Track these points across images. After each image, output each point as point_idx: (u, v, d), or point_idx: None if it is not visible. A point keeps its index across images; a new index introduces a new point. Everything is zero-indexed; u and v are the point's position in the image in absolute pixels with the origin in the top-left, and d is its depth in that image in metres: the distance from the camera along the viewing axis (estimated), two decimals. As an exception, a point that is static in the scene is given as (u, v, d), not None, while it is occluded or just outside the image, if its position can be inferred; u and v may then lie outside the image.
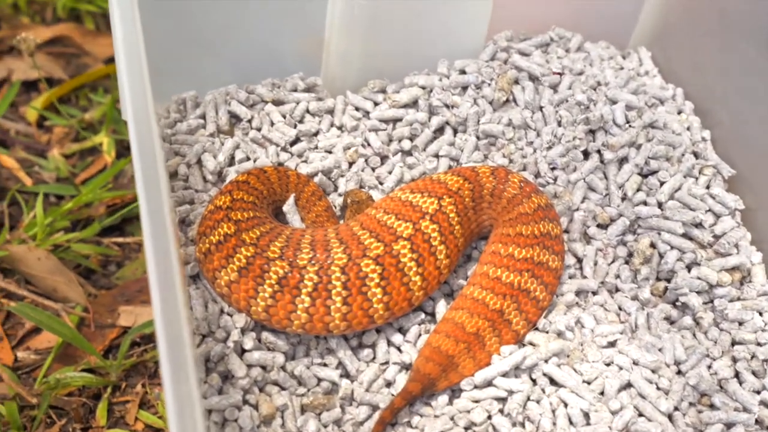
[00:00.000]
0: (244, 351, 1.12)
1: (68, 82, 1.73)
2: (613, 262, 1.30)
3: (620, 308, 1.25)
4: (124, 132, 1.64)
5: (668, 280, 1.28)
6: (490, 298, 1.16)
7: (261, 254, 1.13)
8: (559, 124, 1.37)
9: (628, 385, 1.15)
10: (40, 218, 1.43)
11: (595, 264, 1.29)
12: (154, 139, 0.94)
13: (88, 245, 1.45)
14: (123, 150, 1.63)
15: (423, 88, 1.41)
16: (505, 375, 1.13)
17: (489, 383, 1.13)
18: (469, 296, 1.18)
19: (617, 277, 1.28)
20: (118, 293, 1.41)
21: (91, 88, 1.75)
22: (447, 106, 1.39)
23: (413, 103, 1.41)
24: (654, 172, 1.34)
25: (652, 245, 1.29)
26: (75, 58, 1.83)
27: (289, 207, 1.26)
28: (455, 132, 1.40)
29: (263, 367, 1.11)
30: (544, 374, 1.14)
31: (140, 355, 1.33)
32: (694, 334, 1.23)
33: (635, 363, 1.17)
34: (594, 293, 1.26)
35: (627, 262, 1.30)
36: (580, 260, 1.29)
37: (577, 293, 1.25)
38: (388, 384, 1.15)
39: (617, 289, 1.28)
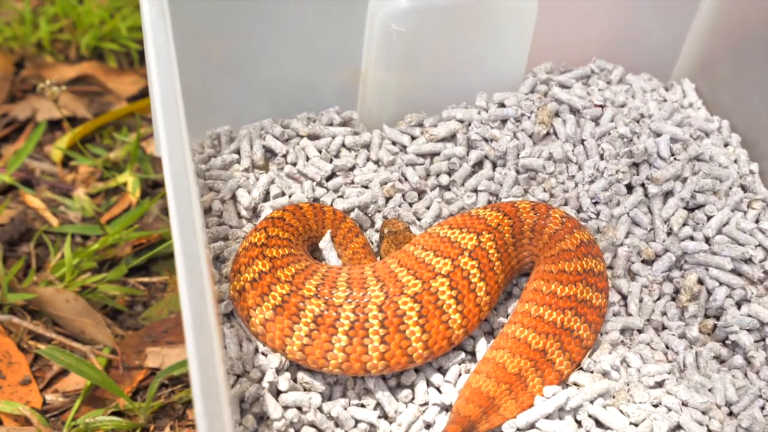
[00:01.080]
0: (279, 392, 1.09)
1: (92, 121, 1.73)
2: (659, 299, 1.25)
3: (667, 347, 1.21)
4: (148, 171, 1.63)
5: (717, 318, 1.24)
6: (532, 338, 1.13)
7: (296, 292, 1.10)
8: (602, 157, 1.34)
9: (678, 428, 1.10)
10: (68, 259, 1.42)
11: (641, 301, 1.25)
12: (189, 176, 0.92)
13: (115, 286, 1.44)
14: (147, 189, 1.62)
15: (461, 121, 1.39)
16: (548, 417, 1.09)
17: (532, 425, 1.09)
18: (510, 335, 1.14)
19: (663, 314, 1.24)
20: (144, 334, 1.39)
21: (115, 127, 1.75)
22: (486, 140, 1.37)
23: (451, 137, 1.39)
24: (700, 206, 1.30)
25: (700, 281, 1.25)
26: (98, 96, 1.83)
27: (325, 243, 1.23)
28: (494, 166, 1.37)
29: (299, 408, 1.08)
30: (590, 416, 1.10)
31: (168, 396, 1.31)
32: (745, 374, 1.18)
33: (684, 404, 1.12)
34: (639, 331, 1.22)
35: (674, 299, 1.26)
36: (624, 297, 1.25)
37: (622, 331, 1.21)
38: (428, 426, 1.11)
39: (664, 327, 1.24)
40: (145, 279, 1.48)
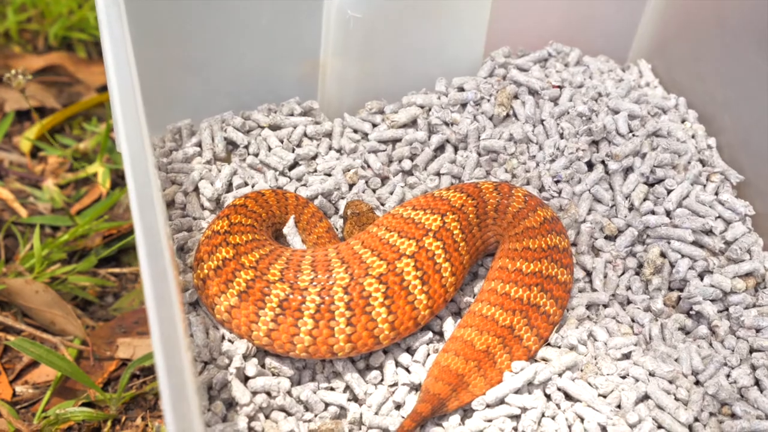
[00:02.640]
0: (247, 378, 1.09)
1: (61, 111, 1.72)
2: (623, 273, 1.26)
3: (633, 320, 1.22)
4: (118, 161, 1.62)
5: (680, 290, 1.25)
6: (499, 314, 1.13)
7: (261, 277, 1.10)
8: (561, 136, 1.35)
9: (646, 397, 1.11)
10: (38, 251, 1.41)
11: (605, 276, 1.25)
12: (150, 169, 0.91)
13: (85, 276, 1.43)
14: (118, 179, 1.61)
15: (421, 107, 1.40)
16: (517, 392, 1.09)
17: (501, 401, 1.09)
18: (477, 313, 1.14)
19: (628, 288, 1.25)
20: (115, 325, 1.38)
21: (85, 117, 1.74)
22: (446, 124, 1.37)
23: (412, 123, 1.39)
24: (660, 181, 1.31)
25: (663, 255, 1.26)
26: (67, 87, 1.82)
27: (289, 229, 1.23)
28: (456, 149, 1.37)
29: (268, 393, 1.08)
30: (558, 389, 1.10)
31: (139, 387, 1.30)
32: (710, 344, 1.20)
33: (651, 374, 1.13)
34: (605, 306, 1.23)
35: (637, 273, 1.27)
36: (589, 273, 1.26)
37: (588, 307, 1.22)
38: (398, 406, 1.11)
39: (629, 301, 1.24)
40: (116, 270, 1.47)
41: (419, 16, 1.37)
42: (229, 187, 1.32)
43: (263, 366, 1.11)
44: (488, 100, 1.38)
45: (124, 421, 1.26)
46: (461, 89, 1.41)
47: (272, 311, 1.08)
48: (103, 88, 1.80)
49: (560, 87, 1.41)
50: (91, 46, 1.89)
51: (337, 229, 1.28)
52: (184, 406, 0.74)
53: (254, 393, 1.07)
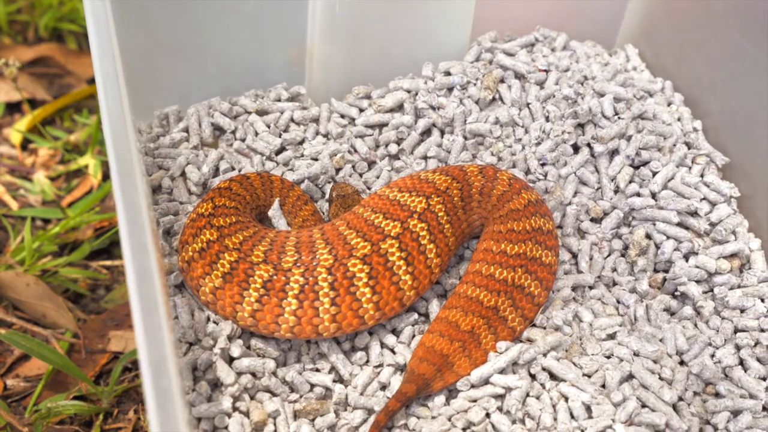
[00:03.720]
0: (232, 359, 1.09)
1: (52, 103, 1.72)
2: (608, 255, 1.27)
3: (618, 301, 1.22)
4: None
5: (666, 271, 1.25)
6: (484, 296, 1.13)
7: (245, 259, 1.10)
8: (547, 119, 1.35)
9: (630, 377, 1.11)
10: (29, 243, 1.41)
11: (591, 258, 1.26)
12: (133, 152, 0.92)
13: (77, 269, 1.43)
14: (109, 171, 1.60)
15: (408, 91, 1.40)
16: (502, 372, 1.09)
17: (486, 381, 1.09)
18: (462, 294, 1.15)
19: (614, 270, 1.25)
20: (107, 318, 1.38)
21: (76, 109, 1.74)
22: (433, 108, 1.38)
23: (399, 107, 1.39)
24: (646, 163, 1.31)
25: (648, 236, 1.26)
26: (58, 78, 1.82)
27: (274, 212, 1.23)
28: (442, 133, 1.38)
29: (253, 374, 1.08)
30: (543, 369, 1.10)
31: (131, 380, 1.30)
32: (695, 324, 1.20)
33: (636, 354, 1.13)
34: (591, 288, 1.23)
35: (623, 255, 1.27)
36: (575, 255, 1.27)
37: (574, 288, 1.22)
38: (383, 387, 1.11)
39: (614, 283, 1.25)
40: (108, 262, 1.47)
41: (406, 0, 1.37)
42: (216, 172, 1.32)
43: (248, 347, 1.11)
44: (474, 84, 1.39)
45: (116, 414, 1.26)
46: (448, 73, 1.41)
47: (256, 292, 1.08)
48: (94, 80, 1.79)
49: (546, 71, 1.41)
50: (82, 38, 1.89)
51: (323, 213, 1.29)
52: (165, 383, 0.74)
53: (239, 374, 1.07)
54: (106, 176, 1.60)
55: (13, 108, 1.74)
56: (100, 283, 1.45)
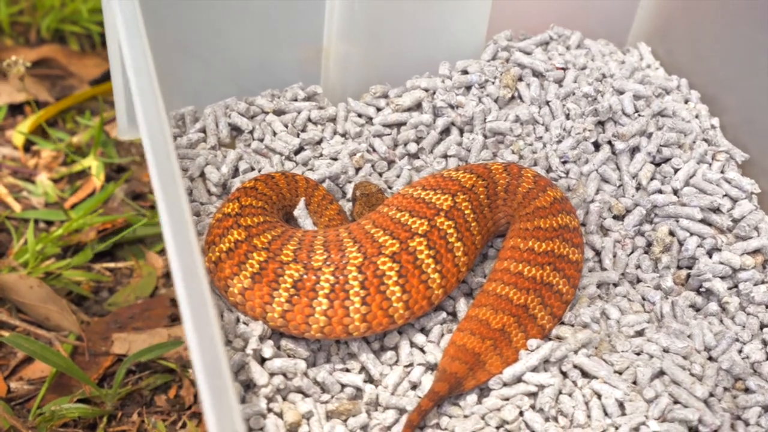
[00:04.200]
0: (264, 360, 1.08)
1: (54, 104, 1.71)
2: (632, 252, 1.27)
3: (644, 298, 1.22)
4: (112, 155, 1.62)
5: (689, 268, 1.25)
6: (513, 293, 1.13)
7: (274, 258, 1.09)
8: (567, 117, 1.35)
9: (661, 373, 1.11)
10: (32, 245, 1.40)
11: (614, 255, 1.26)
12: (171, 153, 0.90)
13: (80, 271, 1.42)
14: (112, 173, 1.60)
15: (426, 90, 1.39)
16: (534, 370, 1.09)
17: (518, 379, 1.08)
18: (491, 292, 1.14)
19: (638, 267, 1.25)
20: (111, 320, 1.37)
21: (78, 111, 1.73)
22: (451, 107, 1.37)
23: (417, 106, 1.39)
24: (667, 160, 1.32)
25: (671, 233, 1.26)
26: (60, 80, 1.81)
27: (300, 211, 1.22)
28: (461, 132, 1.37)
29: (284, 375, 1.07)
30: (575, 366, 1.10)
31: (135, 383, 1.29)
32: (720, 320, 1.20)
33: (665, 350, 1.13)
34: (615, 285, 1.23)
35: (646, 252, 1.27)
36: (598, 253, 1.26)
37: (599, 286, 1.22)
38: (414, 386, 1.11)
39: (638, 280, 1.25)
40: (111, 264, 1.46)
41: (423, -1, 1.37)
42: (236, 172, 1.31)
43: (279, 348, 1.10)
44: (492, 83, 1.38)
45: (120, 417, 1.25)
46: (465, 72, 1.41)
47: (286, 292, 1.07)
48: (97, 81, 1.78)
49: (564, 69, 1.41)
50: (84, 39, 1.88)
51: (346, 212, 1.28)
52: (219, 383, 0.73)
53: (271, 374, 1.06)
54: (108, 178, 1.59)
55: (16, 110, 1.72)
56: (104, 285, 1.44)
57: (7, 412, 1.22)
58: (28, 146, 1.66)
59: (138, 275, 1.45)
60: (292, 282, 1.07)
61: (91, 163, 1.59)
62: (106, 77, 1.78)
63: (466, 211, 1.17)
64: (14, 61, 1.46)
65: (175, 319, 1.38)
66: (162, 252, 1.48)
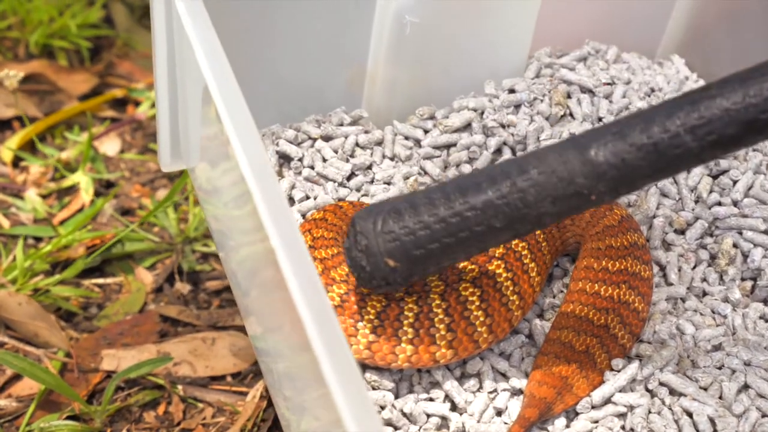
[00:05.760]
0: (353, 393, 1.05)
1: (43, 120, 1.70)
2: (696, 266, 1.26)
3: (713, 311, 1.21)
4: (101, 170, 1.62)
5: (753, 279, 1.25)
6: (593, 314, 1.12)
7: (354, 290, 1.07)
8: (622, 132, 1.34)
9: (746, 387, 1.10)
10: (20, 262, 1.40)
11: (680, 270, 1.25)
12: (281, 195, 0.87)
13: (68, 287, 1.42)
14: (101, 188, 1.61)
15: (474, 110, 1.38)
16: (621, 390, 1.08)
17: (608, 400, 1.07)
18: (570, 314, 1.13)
19: (704, 280, 1.25)
20: (100, 336, 1.37)
21: (67, 126, 1.72)
22: (503, 126, 1.36)
23: (465, 127, 1.37)
24: (724, 172, 1.32)
25: (735, 245, 1.26)
26: (49, 95, 1.80)
27: (370, 240, 1.20)
28: (513, 151, 1.36)
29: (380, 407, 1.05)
30: (661, 384, 1.09)
31: (124, 399, 1.29)
32: (792, 331, 1.20)
33: (747, 364, 1.13)
34: (683, 300, 1.22)
35: (710, 265, 1.26)
36: (662, 268, 1.26)
37: (667, 300, 1.22)
38: (499, 412, 1.09)
39: (704, 293, 1.24)
40: (100, 280, 1.46)
41: (470, 17, 1.36)
42: (291, 202, 1.29)
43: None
44: (541, 100, 1.37)
45: (109, 434, 1.26)
46: (512, 91, 1.39)
47: (370, 323, 1.05)
48: (85, 97, 1.78)
49: (611, 84, 1.40)
50: (72, 54, 1.87)
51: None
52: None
53: (363, 408, 1.04)
54: (97, 193, 1.60)
55: (4, 125, 1.72)
56: (92, 301, 1.43)
57: (-5, 430, 1.23)
58: (16, 162, 1.65)
59: (127, 291, 1.45)
60: (375, 313, 1.05)
61: (80, 178, 1.59)
62: (95, 92, 1.80)
63: (537, 232, 1.16)
64: (7, 74, 1.44)
65: (164, 335, 1.39)
66: (151, 267, 1.48)
